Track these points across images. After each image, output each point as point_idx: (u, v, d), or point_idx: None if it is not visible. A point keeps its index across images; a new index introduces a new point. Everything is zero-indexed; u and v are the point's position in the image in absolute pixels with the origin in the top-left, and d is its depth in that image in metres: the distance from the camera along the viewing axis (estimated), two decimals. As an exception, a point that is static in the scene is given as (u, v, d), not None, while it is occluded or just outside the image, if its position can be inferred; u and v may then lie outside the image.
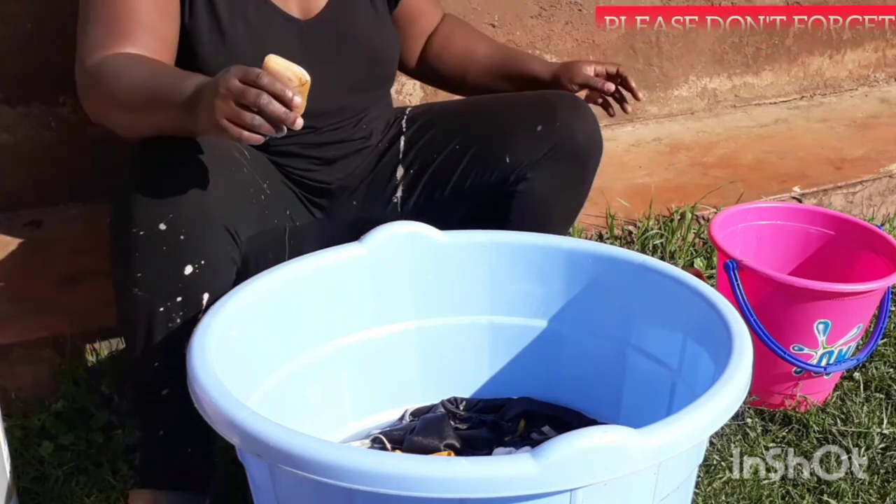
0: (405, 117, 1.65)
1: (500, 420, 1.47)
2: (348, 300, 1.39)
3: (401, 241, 1.40)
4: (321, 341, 1.38)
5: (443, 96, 2.39)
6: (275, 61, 1.14)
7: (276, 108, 1.09)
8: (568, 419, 1.44)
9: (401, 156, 1.60)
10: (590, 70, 1.62)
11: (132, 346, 1.28)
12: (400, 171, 1.59)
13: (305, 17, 1.49)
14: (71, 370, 1.63)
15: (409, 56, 1.73)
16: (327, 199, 1.58)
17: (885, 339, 1.90)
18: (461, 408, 1.50)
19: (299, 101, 1.11)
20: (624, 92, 1.64)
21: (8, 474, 1.31)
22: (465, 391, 1.52)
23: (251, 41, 1.42)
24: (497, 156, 1.50)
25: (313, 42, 1.48)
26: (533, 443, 1.38)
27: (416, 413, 1.49)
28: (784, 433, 1.66)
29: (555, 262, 1.42)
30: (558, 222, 1.56)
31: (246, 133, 1.10)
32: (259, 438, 0.96)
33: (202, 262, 1.24)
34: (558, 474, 0.90)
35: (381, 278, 1.41)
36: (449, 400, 1.51)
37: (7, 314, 1.67)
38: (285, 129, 1.12)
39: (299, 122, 1.12)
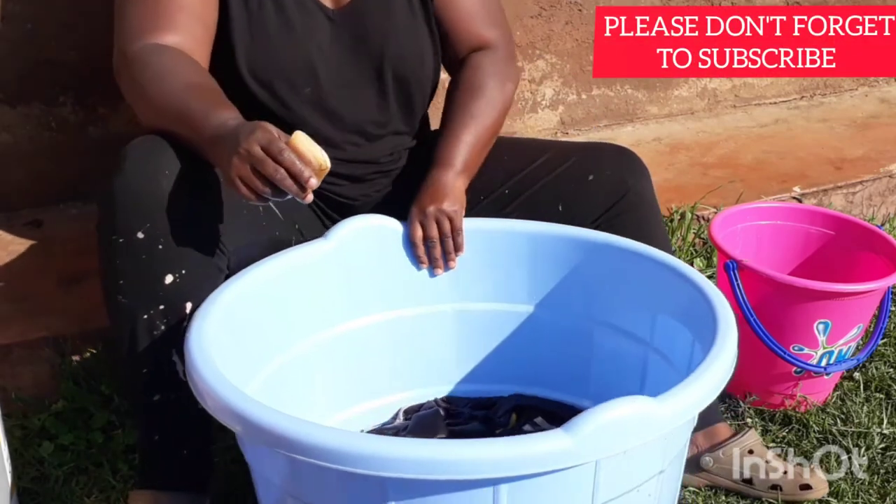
0: None
1: (491, 415, 1.48)
2: (320, 296, 1.38)
3: (366, 234, 1.40)
4: (296, 340, 1.36)
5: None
6: (300, 140, 1.13)
7: (290, 185, 1.11)
8: (562, 414, 1.44)
9: None
10: (415, 230, 1.41)
11: (120, 351, 1.28)
12: None
13: (336, 7, 1.44)
14: (71, 370, 1.63)
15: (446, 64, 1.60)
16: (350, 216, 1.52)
17: (885, 339, 1.91)
18: (451, 406, 1.50)
19: (315, 182, 1.12)
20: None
21: (8, 474, 1.31)
22: (444, 381, 1.52)
23: (280, 27, 1.39)
24: (550, 206, 1.48)
25: (342, 34, 1.43)
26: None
27: (409, 411, 1.49)
28: (784, 433, 1.67)
29: (519, 246, 1.44)
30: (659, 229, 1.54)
31: (254, 196, 1.13)
32: (282, 432, 0.95)
33: (182, 271, 1.23)
34: (591, 446, 0.93)
35: (351, 272, 1.40)
36: (442, 399, 1.51)
37: (7, 314, 1.67)
38: (290, 196, 1.13)
39: (309, 198, 1.13)
